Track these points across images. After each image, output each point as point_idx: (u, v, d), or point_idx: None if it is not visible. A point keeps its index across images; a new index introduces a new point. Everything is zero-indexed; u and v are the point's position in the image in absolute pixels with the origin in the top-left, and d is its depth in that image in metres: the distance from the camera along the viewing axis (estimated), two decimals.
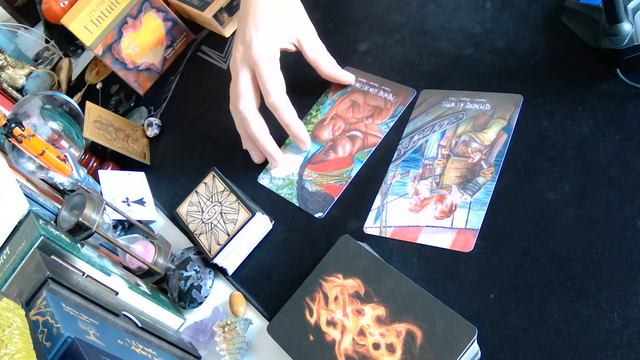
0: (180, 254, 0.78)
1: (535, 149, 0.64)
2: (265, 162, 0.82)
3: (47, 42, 1.35)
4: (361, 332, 0.58)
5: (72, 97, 1.01)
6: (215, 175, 0.80)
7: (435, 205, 0.66)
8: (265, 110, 0.77)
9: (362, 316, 0.59)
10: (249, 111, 0.77)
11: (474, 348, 0.54)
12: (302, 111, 0.84)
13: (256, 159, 0.82)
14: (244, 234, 0.73)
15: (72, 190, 0.84)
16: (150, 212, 0.88)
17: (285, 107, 0.75)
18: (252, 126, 0.77)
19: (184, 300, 0.75)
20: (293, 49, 0.79)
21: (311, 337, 0.60)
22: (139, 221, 0.83)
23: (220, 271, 0.76)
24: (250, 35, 0.76)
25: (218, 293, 0.75)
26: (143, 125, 1.02)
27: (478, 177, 0.65)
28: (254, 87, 0.77)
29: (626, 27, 0.59)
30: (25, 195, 0.73)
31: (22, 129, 0.77)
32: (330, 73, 0.80)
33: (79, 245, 0.67)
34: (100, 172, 0.90)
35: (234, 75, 0.79)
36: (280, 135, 0.81)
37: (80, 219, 0.68)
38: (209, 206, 0.78)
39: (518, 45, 0.72)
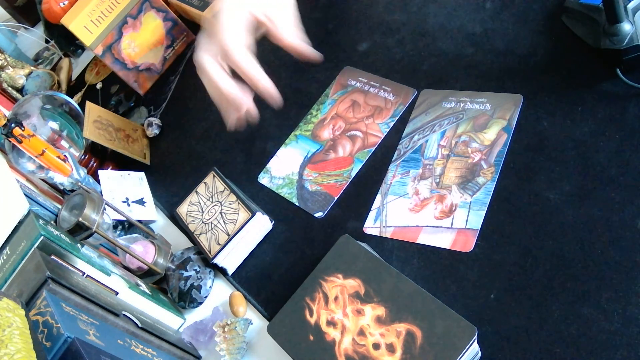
0: (180, 254, 0.78)
1: (535, 149, 0.64)
2: (265, 161, 0.82)
3: (47, 42, 1.35)
4: (361, 332, 0.58)
5: (72, 97, 1.01)
6: (215, 175, 0.80)
7: (435, 205, 0.66)
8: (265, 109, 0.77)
9: (362, 316, 0.59)
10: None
11: (474, 348, 0.54)
12: (303, 111, 0.84)
13: (234, 116, 0.72)
14: (244, 234, 0.73)
15: (72, 190, 0.84)
16: (150, 212, 0.88)
17: (239, 49, 0.69)
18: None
19: (184, 300, 0.75)
20: (263, 19, 0.72)
21: (311, 337, 0.60)
22: (139, 221, 0.83)
23: (220, 271, 0.76)
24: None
25: (218, 293, 0.75)
26: (143, 125, 1.02)
27: (478, 177, 0.65)
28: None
29: (626, 27, 0.59)
30: (25, 195, 0.73)
31: (22, 129, 0.77)
32: (286, 40, 0.72)
33: (79, 245, 0.67)
34: (100, 172, 0.90)
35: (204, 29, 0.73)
36: (282, 134, 0.81)
37: (80, 219, 0.68)
38: (209, 206, 0.78)
39: (518, 45, 0.72)
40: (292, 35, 0.73)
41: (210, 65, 0.71)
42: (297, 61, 0.80)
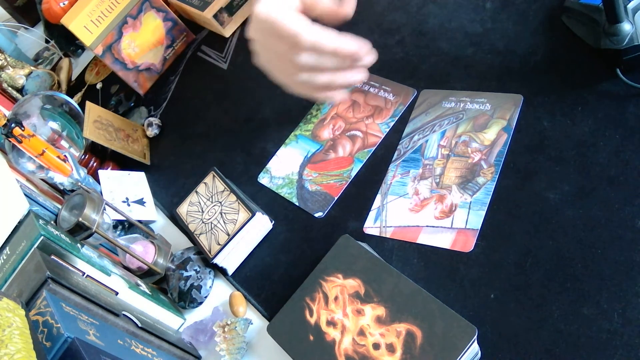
0: (180, 254, 0.78)
1: (535, 149, 0.64)
2: (265, 161, 0.82)
3: (47, 42, 1.35)
4: (361, 332, 0.58)
5: (72, 97, 1.02)
6: (215, 175, 0.80)
7: (435, 205, 0.66)
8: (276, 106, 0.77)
9: (362, 316, 0.59)
10: (314, 30, 0.62)
11: (474, 348, 0.54)
12: (303, 111, 0.84)
13: (338, 94, 0.68)
14: (244, 234, 0.73)
15: (72, 190, 0.84)
16: (150, 212, 0.88)
17: (323, 33, 0.63)
18: (326, 36, 0.62)
19: (184, 300, 0.75)
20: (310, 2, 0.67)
21: (311, 337, 0.60)
22: (139, 221, 0.83)
23: (220, 271, 0.76)
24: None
25: (218, 293, 0.75)
26: (143, 125, 1.02)
27: (478, 177, 0.65)
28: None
29: (626, 27, 0.59)
30: (25, 195, 0.73)
31: (22, 129, 0.77)
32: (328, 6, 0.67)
33: (79, 245, 0.67)
34: (100, 172, 0.90)
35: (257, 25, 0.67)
36: (282, 134, 0.81)
37: (80, 219, 0.68)
38: (209, 206, 0.78)
39: (518, 45, 0.72)
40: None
41: (300, 24, 0.62)
42: None
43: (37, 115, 0.88)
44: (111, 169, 0.95)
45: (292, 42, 0.63)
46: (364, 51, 0.65)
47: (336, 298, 0.61)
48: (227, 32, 1.05)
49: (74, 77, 1.27)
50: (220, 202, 0.77)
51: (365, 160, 0.75)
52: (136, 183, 0.92)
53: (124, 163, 0.97)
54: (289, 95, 0.76)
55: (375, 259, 0.62)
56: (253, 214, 0.73)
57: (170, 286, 0.76)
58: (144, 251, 0.77)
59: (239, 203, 0.75)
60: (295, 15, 0.64)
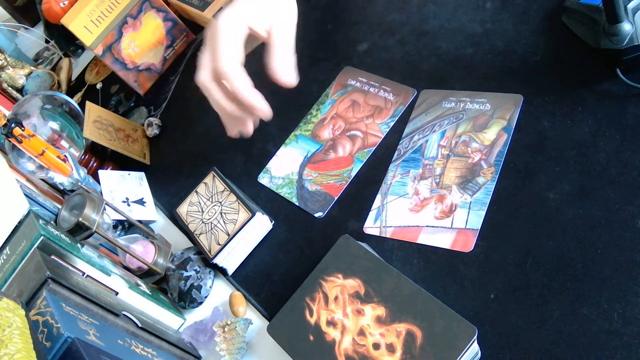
0: (180, 254, 0.78)
1: (535, 149, 0.64)
2: (265, 161, 0.82)
3: (47, 42, 1.35)
4: (361, 332, 0.58)
5: (72, 97, 1.02)
6: (215, 175, 0.80)
7: (435, 205, 0.66)
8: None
9: (362, 316, 0.59)
10: (230, 67, 0.69)
11: (474, 348, 0.54)
12: (303, 111, 0.84)
13: (235, 130, 0.75)
14: (244, 234, 0.73)
15: (72, 190, 0.84)
16: (150, 212, 0.88)
17: (236, 75, 0.69)
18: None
19: (184, 300, 0.75)
20: (264, 35, 0.72)
21: (311, 337, 0.60)
22: (139, 221, 0.83)
23: (220, 271, 0.76)
24: (224, 10, 0.71)
25: (218, 293, 0.75)
26: (143, 125, 1.02)
27: (478, 177, 0.65)
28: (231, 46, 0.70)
29: (626, 27, 0.59)
30: (25, 195, 0.73)
31: (22, 129, 0.77)
32: (274, 65, 0.71)
33: (79, 245, 0.67)
34: (100, 172, 0.90)
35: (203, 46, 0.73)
36: (282, 133, 0.81)
37: (80, 219, 0.68)
38: (209, 206, 0.78)
39: (518, 45, 0.72)
40: (280, 60, 0.72)
41: (211, 88, 0.72)
42: (297, 61, 0.80)
43: (37, 115, 0.88)
44: (111, 169, 0.95)
45: (221, 73, 0.70)
46: (260, 106, 0.71)
47: (336, 298, 0.61)
48: None
49: (74, 77, 1.27)
50: (220, 202, 0.77)
51: (365, 160, 0.75)
52: (136, 183, 0.92)
53: (124, 163, 0.97)
54: (289, 96, 0.76)
55: (375, 259, 0.62)
56: (253, 214, 0.73)
57: (170, 286, 0.76)
58: (144, 251, 0.77)
59: (239, 203, 0.75)
60: (232, 57, 0.70)
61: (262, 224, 0.75)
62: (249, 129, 0.75)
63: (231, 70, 0.70)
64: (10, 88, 1.20)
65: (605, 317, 0.52)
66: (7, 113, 0.86)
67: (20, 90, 1.23)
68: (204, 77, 0.72)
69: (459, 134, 0.70)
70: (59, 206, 0.78)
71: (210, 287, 0.75)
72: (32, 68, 1.26)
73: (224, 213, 0.75)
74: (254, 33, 0.72)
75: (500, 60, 0.72)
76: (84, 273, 0.64)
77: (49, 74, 1.24)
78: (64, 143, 0.90)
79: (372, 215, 0.69)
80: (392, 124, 0.76)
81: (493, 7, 0.77)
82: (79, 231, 0.69)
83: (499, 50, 0.73)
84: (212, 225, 0.76)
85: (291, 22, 0.74)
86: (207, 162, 0.88)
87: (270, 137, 0.85)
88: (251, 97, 0.70)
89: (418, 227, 0.66)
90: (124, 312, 0.61)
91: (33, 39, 1.43)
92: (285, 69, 0.72)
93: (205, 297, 0.75)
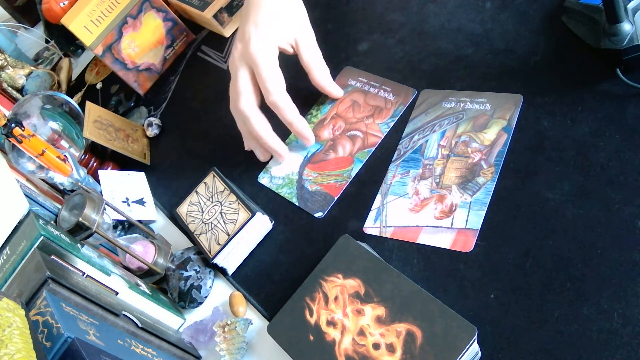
0: (180, 254, 0.78)
1: (535, 149, 0.64)
2: (266, 162, 0.83)
3: (47, 42, 1.35)
4: (361, 332, 0.58)
5: (72, 97, 1.01)
6: (215, 175, 0.80)
7: (435, 205, 0.66)
8: (267, 109, 0.77)
9: (362, 316, 0.59)
10: (249, 109, 0.76)
11: (474, 348, 0.54)
12: (303, 111, 0.84)
13: (261, 157, 0.82)
14: (244, 234, 0.73)
15: (72, 190, 0.84)
16: (150, 212, 0.88)
17: (286, 105, 0.75)
18: (255, 124, 0.76)
19: (184, 300, 0.75)
20: (290, 50, 0.78)
21: (311, 337, 0.60)
22: (139, 221, 0.83)
23: (220, 271, 0.76)
24: (249, 33, 0.75)
25: (218, 293, 0.75)
26: (143, 125, 1.02)
27: (478, 177, 0.65)
28: (254, 85, 0.76)
29: (626, 27, 0.59)
30: (25, 195, 0.73)
31: (22, 129, 0.77)
32: (321, 82, 0.79)
33: (79, 245, 0.67)
34: (100, 172, 0.90)
35: (233, 74, 0.78)
36: (284, 131, 0.81)
37: (80, 219, 0.68)
38: (209, 206, 0.78)
39: (518, 45, 0.72)
40: (323, 75, 0.80)
41: (253, 117, 0.77)
42: (297, 61, 0.80)
43: (37, 115, 0.88)
44: (111, 169, 0.95)
45: (267, 95, 0.76)
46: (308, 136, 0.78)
47: (336, 298, 0.61)
48: (227, 32, 1.05)
49: (74, 77, 1.27)
50: (220, 202, 0.77)
51: (365, 160, 0.75)
52: (136, 183, 0.92)
53: (124, 163, 0.97)
54: (289, 95, 0.76)
55: (375, 259, 0.62)
56: (253, 214, 0.73)
57: (170, 286, 0.76)
58: (144, 251, 0.77)
59: (239, 203, 0.75)
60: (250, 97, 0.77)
61: (262, 224, 0.75)
62: (268, 157, 0.82)
63: (282, 100, 0.75)
64: (10, 88, 1.20)
65: (605, 317, 0.52)
66: (7, 113, 0.86)
67: (20, 90, 1.23)
68: (246, 105, 0.77)
69: (459, 134, 0.70)
70: (59, 206, 0.78)
71: (210, 287, 0.75)
72: (32, 68, 1.26)
73: (224, 213, 0.75)
74: (282, 51, 0.75)
75: (500, 60, 0.72)
76: (84, 273, 0.64)
77: (49, 74, 1.24)
78: (64, 143, 0.90)
79: (372, 215, 0.69)
80: (392, 124, 0.76)
81: (493, 7, 0.77)
82: (79, 231, 0.69)
83: (499, 50, 0.73)
84: (212, 225, 0.76)
85: (310, 30, 0.77)
86: (207, 162, 0.88)
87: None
88: (303, 127, 0.77)
89: (418, 227, 0.66)
90: (124, 312, 0.61)
91: (33, 39, 1.43)
92: (329, 81, 0.81)
93: (205, 297, 0.75)
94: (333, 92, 0.81)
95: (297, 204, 0.76)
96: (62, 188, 0.86)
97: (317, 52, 0.79)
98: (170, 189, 0.91)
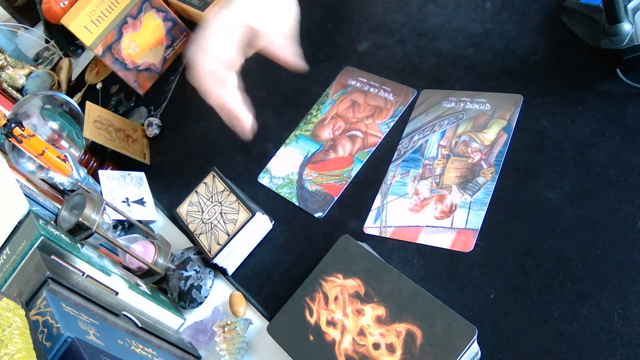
0: (180, 254, 0.78)
1: (535, 149, 0.64)
2: (265, 161, 0.82)
3: (47, 42, 1.35)
4: (361, 332, 0.58)
5: (72, 97, 1.01)
6: (215, 175, 0.80)
7: (435, 205, 0.66)
8: (263, 104, 0.77)
9: (362, 316, 0.59)
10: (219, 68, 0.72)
11: (474, 348, 0.54)
12: (303, 111, 0.84)
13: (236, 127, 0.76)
14: (244, 234, 0.73)
15: (72, 190, 0.84)
16: (150, 212, 0.88)
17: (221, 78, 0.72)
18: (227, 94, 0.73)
19: (184, 300, 0.75)
20: (265, 32, 0.73)
21: (311, 337, 0.60)
22: (139, 221, 0.83)
23: (220, 271, 0.76)
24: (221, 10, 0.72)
25: (218, 293, 0.75)
26: (143, 125, 1.02)
27: (478, 177, 0.65)
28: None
29: (626, 27, 0.59)
30: (25, 195, 0.73)
31: (22, 129, 0.77)
32: (278, 53, 0.73)
33: (79, 245, 0.67)
34: (100, 172, 0.90)
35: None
36: (282, 133, 0.81)
37: (80, 219, 0.68)
38: (209, 206, 0.78)
39: (518, 45, 0.72)
40: (286, 51, 0.73)
41: (211, 86, 0.73)
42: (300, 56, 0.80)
43: (37, 115, 0.88)
44: (111, 169, 0.95)
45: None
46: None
47: (336, 298, 0.61)
48: None
49: (74, 77, 1.27)
50: (220, 202, 0.77)
51: (365, 160, 0.75)
52: (136, 183, 0.92)
53: (124, 163, 0.97)
54: (289, 96, 0.76)
55: (375, 259, 0.62)
56: (253, 214, 0.73)
57: (170, 286, 0.76)
58: (144, 251, 0.77)
59: (239, 203, 0.75)
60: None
61: (262, 224, 0.75)
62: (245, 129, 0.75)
63: (218, 72, 0.71)
64: (10, 88, 1.20)
65: (605, 317, 0.52)
66: (7, 113, 0.86)
67: (20, 90, 1.23)
68: (201, 75, 0.73)
69: (459, 134, 0.70)
70: (59, 206, 0.78)
71: (210, 287, 0.75)
72: (32, 68, 1.26)
73: (224, 213, 0.75)
74: (254, 31, 0.72)
75: (500, 60, 0.72)
76: (84, 273, 0.64)
77: (49, 74, 1.24)
78: (64, 143, 0.90)
79: (372, 215, 0.69)
80: (392, 124, 0.76)
81: (493, 7, 0.77)
82: (79, 231, 0.69)
83: (499, 50, 0.73)
84: (212, 225, 0.76)
85: (291, 15, 0.74)
86: (207, 162, 0.88)
87: (270, 137, 0.85)
88: (234, 106, 0.73)
89: (418, 227, 0.66)
90: (124, 312, 0.61)
91: (33, 39, 1.43)
92: (290, 53, 0.73)
93: (205, 297, 0.75)
94: (290, 61, 0.74)
95: (297, 204, 0.76)
96: (62, 188, 0.86)
97: (291, 33, 0.73)
98: (170, 189, 0.91)
